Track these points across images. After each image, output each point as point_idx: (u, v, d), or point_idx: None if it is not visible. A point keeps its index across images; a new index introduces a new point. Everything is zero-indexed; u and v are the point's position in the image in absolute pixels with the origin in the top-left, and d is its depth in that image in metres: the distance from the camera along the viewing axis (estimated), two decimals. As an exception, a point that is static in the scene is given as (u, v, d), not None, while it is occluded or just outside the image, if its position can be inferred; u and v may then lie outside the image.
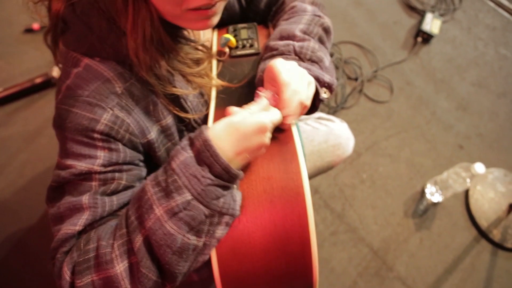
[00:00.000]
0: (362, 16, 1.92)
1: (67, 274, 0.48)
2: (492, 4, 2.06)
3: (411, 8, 1.97)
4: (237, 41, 0.75)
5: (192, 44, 0.63)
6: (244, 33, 0.77)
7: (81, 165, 0.51)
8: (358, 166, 1.48)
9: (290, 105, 0.55)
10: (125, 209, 0.53)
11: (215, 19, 0.55)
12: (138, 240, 0.47)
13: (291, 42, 0.66)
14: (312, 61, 0.65)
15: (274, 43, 0.67)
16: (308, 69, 0.62)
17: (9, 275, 1.22)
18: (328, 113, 1.57)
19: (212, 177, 0.47)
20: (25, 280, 1.21)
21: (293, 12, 0.74)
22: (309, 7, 0.75)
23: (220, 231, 0.50)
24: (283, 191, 0.52)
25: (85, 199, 0.51)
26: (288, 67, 0.57)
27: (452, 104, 1.70)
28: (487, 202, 1.44)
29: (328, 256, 1.31)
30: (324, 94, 0.64)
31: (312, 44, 0.66)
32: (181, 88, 0.59)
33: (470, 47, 1.90)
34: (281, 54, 0.65)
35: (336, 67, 1.65)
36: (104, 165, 0.52)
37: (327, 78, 0.64)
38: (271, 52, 0.66)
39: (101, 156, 0.52)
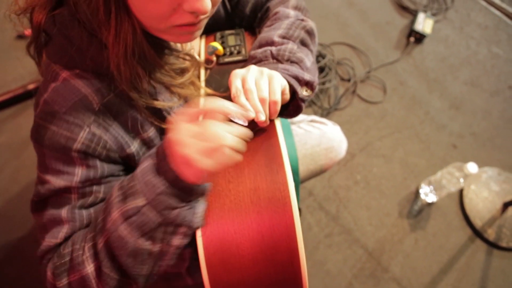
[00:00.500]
0: (354, 16, 1.92)
1: (50, 277, 0.52)
2: (484, 3, 2.07)
3: (403, 8, 1.98)
4: (224, 48, 0.75)
5: (176, 54, 0.62)
6: (231, 40, 0.77)
7: (60, 182, 0.53)
8: (352, 167, 1.49)
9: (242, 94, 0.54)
10: (94, 218, 0.54)
11: (198, 33, 0.55)
12: (101, 242, 0.49)
13: (268, 47, 0.66)
14: (291, 61, 0.65)
15: (253, 52, 0.68)
16: (286, 70, 0.62)
17: (4, 281, 1.22)
18: (322, 114, 1.57)
19: (166, 186, 0.47)
20: (20, 286, 1.21)
21: (276, 19, 0.75)
22: (292, 12, 0.75)
23: (178, 240, 0.50)
24: (270, 202, 0.53)
25: (64, 213, 0.53)
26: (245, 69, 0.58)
27: (445, 104, 1.70)
28: (481, 202, 1.45)
29: (323, 258, 1.31)
30: (305, 92, 0.64)
31: (290, 46, 0.67)
32: (164, 101, 0.59)
33: (463, 46, 1.91)
34: (259, 61, 0.66)
35: (329, 68, 1.65)
36: (81, 182, 0.54)
37: (307, 76, 0.64)
38: (251, 62, 0.67)
39: (79, 173, 0.53)
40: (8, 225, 1.29)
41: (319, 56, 1.66)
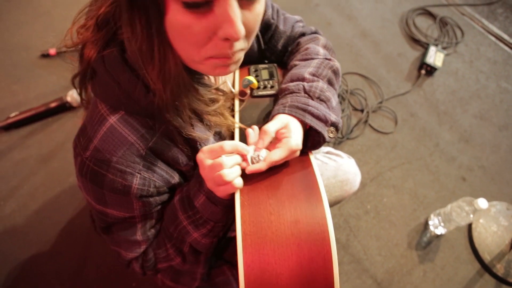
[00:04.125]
0: (367, 47, 1.98)
1: (140, 272, 0.76)
2: (493, 38, 2.13)
3: (415, 41, 2.03)
4: (258, 81, 0.78)
5: (208, 89, 0.66)
6: (265, 74, 0.80)
7: (121, 213, 0.62)
8: (362, 196, 1.51)
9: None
10: (165, 227, 0.73)
11: (234, 67, 0.57)
12: (186, 247, 0.72)
13: (301, 82, 0.70)
14: (320, 99, 0.69)
15: (286, 85, 0.72)
16: (316, 108, 0.66)
17: (18, 298, 1.24)
18: (334, 143, 1.60)
19: (220, 209, 0.65)
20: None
21: (307, 54, 0.79)
22: (321, 50, 0.80)
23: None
24: (310, 235, 0.56)
25: (139, 236, 0.69)
26: (296, 132, 0.65)
27: (455, 136, 1.73)
28: (490, 236, 1.46)
29: (333, 287, 1.32)
30: (331, 134, 0.68)
31: (321, 84, 0.71)
32: (201, 133, 0.63)
33: (472, 80, 1.95)
34: (292, 92, 0.70)
35: (343, 98, 1.70)
36: (141, 212, 0.65)
37: (333, 117, 0.68)
38: (284, 93, 0.71)
39: (137, 208, 0.63)
40: (24, 241, 1.32)
41: (333, 86, 1.70)
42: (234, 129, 0.71)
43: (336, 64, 0.79)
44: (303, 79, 0.71)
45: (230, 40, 0.49)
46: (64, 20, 1.86)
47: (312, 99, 0.68)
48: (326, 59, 0.78)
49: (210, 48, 0.50)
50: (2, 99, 1.60)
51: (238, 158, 0.61)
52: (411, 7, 2.19)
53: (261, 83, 0.79)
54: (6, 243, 1.31)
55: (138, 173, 0.59)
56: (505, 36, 2.13)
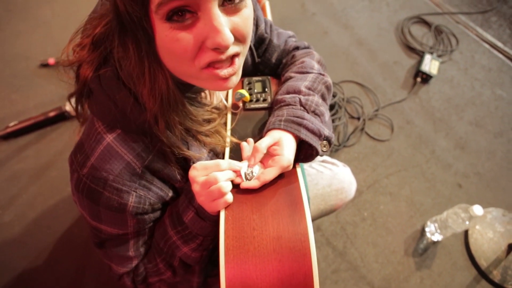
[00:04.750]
0: (363, 56, 2.00)
1: (130, 285, 0.77)
2: (487, 46, 2.15)
3: (411, 49, 2.06)
4: (251, 94, 0.79)
5: (206, 108, 0.67)
6: (258, 87, 0.81)
7: (115, 230, 0.63)
8: (359, 204, 1.52)
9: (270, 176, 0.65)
10: (155, 243, 0.73)
11: (235, 79, 0.57)
12: (176, 261, 0.72)
13: (297, 95, 0.71)
14: (315, 113, 0.70)
15: (281, 96, 0.72)
16: (311, 122, 0.67)
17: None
18: (331, 151, 1.62)
19: (209, 224, 0.65)
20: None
21: (303, 67, 0.80)
22: (316, 65, 0.81)
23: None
24: (291, 252, 0.56)
25: (131, 252, 0.70)
26: (288, 149, 0.65)
27: (451, 143, 1.75)
28: (486, 242, 1.47)
29: (330, 294, 1.33)
30: (324, 148, 0.69)
31: (316, 98, 0.72)
32: (195, 152, 0.64)
33: (467, 87, 1.97)
34: (288, 104, 0.70)
35: (339, 106, 1.72)
36: (135, 229, 0.66)
37: (326, 132, 0.69)
38: (279, 104, 0.71)
39: (131, 225, 0.64)
40: (23, 250, 1.32)
41: (329, 94, 1.72)
42: (227, 145, 0.72)
43: (329, 80, 0.80)
44: (299, 92, 0.72)
45: (219, 48, 0.49)
46: (63, 30, 1.88)
47: (308, 113, 0.69)
48: (321, 74, 0.80)
49: (201, 58, 0.50)
50: (2, 109, 1.61)
51: (231, 174, 0.62)
52: (407, 15, 2.21)
53: (254, 96, 0.79)
54: (4, 252, 1.31)
55: (134, 191, 0.60)
56: (499, 44, 2.16)
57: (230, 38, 0.48)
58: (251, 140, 0.69)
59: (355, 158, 1.63)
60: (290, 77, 0.79)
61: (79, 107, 0.64)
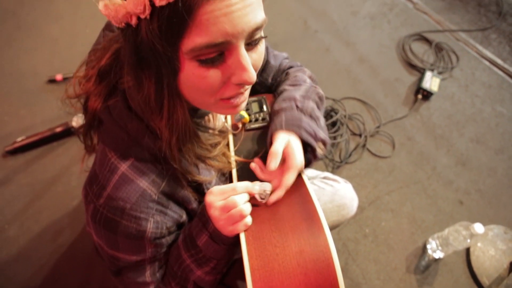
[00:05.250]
0: (365, 73, 2.03)
1: None
2: (487, 63, 2.18)
3: (412, 66, 2.09)
4: (249, 114, 0.81)
5: (211, 131, 0.69)
6: (255, 107, 0.84)
7: (133, 258, 0.64)
8: (361, 220, 1.53)
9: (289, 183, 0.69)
10: (169, 266, 0.74)
11: (244, 105, 0.60)
12: (190, 285, 0.72)
13: (293, 101, 0.75)
14: (311, 117, 0.74)
15: (278, 106, 0.76)
16: (308, 124, 0.71)
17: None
18: (333, 167, 1.64)
19: (223, 248, 0.66)
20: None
21: (296, 80, 0.85)
22: (308, 80, 0.87)
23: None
24: (315, 263, 0.58)
25: (148, 278, 0.70)
26: (298, 149, 0.68)
27: (452, 160, 1.76)
28: (488, 260, 1.48)
29: (332, 311, 1.33)
30: (320, 151, 0.73)
31: (311, 104, 0.77)
32: (204, 176, 0.67)
33: (468, 104, 1.99)
34: (285, 110, 0.74)
35: (341, 123, 1.74)
36: (152, 254, 0.66)
37: (322, 134, 0.73)
38: (278, 113, 0.75)
39: (149, 251, 0.64)
40: (28, 264, 1.33)
41: (332, 111, 1.75)
42: (233, 166, 0.74)
43: (321, 92, 0.85)
44: (295, 99, 0.76)
45: (244, 84, 0.52)
46: (71, 47, 1.93)
47: (305, 115, 0.73)
48: (313, 86, 0.85)
49: (225, 92, 0.53)
50: (10, 124, 1.64)
51: (247, 196, 0.64)
52: (408, 33, 2.25)
53: (253, 116, 0.82)
54: (10, 266, 1.33)
55: (151, 217, 0.61)
56: (499, 61, 2.19)
57: (254, 75, 0.51)
58: (254, 163, 0.71)
59: (356, 174, 1.65)
60: (285, 90, 0.83)
61: (87, 139, 0.65)
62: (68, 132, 1.60)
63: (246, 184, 0.64)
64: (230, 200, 0.61)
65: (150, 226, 0.61)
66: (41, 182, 1.51)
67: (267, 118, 0.82)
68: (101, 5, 0.44)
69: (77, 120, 1.58)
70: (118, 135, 0.58)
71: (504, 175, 1.74)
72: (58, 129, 1.60)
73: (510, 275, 1.43)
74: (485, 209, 1.63)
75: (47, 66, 1.84)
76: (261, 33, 0.51)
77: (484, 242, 1.51)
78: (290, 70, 0.91)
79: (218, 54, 0.47)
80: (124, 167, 0.59)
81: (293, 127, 0.71)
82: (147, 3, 0.41)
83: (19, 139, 1.55)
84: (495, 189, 1.69)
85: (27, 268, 1.33)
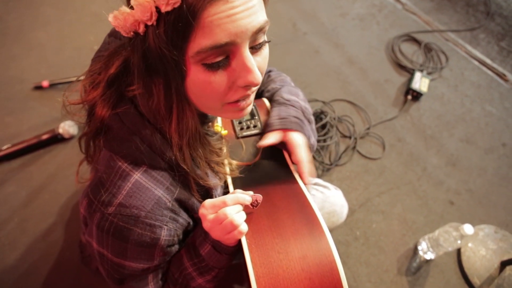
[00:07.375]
0: (354, 74, 2.03)
1: None
2: (476, 63, 2.19)
3: (401, 67, 2.09)
4: (240, 122, 0.82)
5: (215, 137, 0.69)
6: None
7: (139, 265, 0.63)
8: (351, 223, 1.53)
9: (306, 168, 0.75)
10: (170, 273, 0.74)
11: (249, 109, 0.61)
12: None
13: (297, 99, 0.83)
14: (308, 120, 0.80)
15: (287, 96, 0.84)
16: (305, 127, 0.78)
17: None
18: (323, 170, 1.63)
19: (225, 257, 0.68)
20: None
21: (285, 82, 0.92)
22: (292, 83, 0.96)
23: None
24: (319, 267, 0.59)
25: (151, 285, 0.70)
26: (302, 143, 0.74)
27: (442, 160, 1.77)
28: (479, 260, 1.47)
29: (323, 315, 1.32)
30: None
31: (309, 108, 0.83)
32: (213, 181, 0.67)
33: (458, 104, 2.00)
34: (292, 105, 0.81)
35: (331, 125, 1.73)
36: (160, 261, 0.67)
37: (312, 140, 0.79)
38: (284, 104, 0.82)
39: (158, 258, 0.64)
40: (14, 274, 1.31)
41: (321, 114, 1.74)
42: (228, 173, 0.75)
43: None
44: (297, 95, 0.85)
45: (250, 86, 0.53)
46: (57, 52, 1.90)
47: (305, 116, 0.81)
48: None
49: (231, 95, 0.54)
50: (-5, 132, 1.62)
51: (238, 207, 0.63)
52: (397, 33, 2.26)
53: (244, 123, 0.82)
54: (-5, 277, 1.31)
55: (165, 225, 0.60)
56: (488, 61, 2.20)
57: (260, 76, 0.52)
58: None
59: (347, 177, 1.64)
60: (282, 85, 0.89)
61: (90, 147, 0.65)
62: (54, 139, 1.58)
63: (236, 196, 0.64)
64: (221, 212, 0.61)
65: (164, 234, 0.61)
66: (27, 191, 1.48)
67: (259, 125, 0.82)
68: (110, 17, 0.46)
69: (64, 127, 1.56)
70: (130, 142, 0.57)
71: (494, 175, 1.75)
72: (45, 136, 1.57)
73: (501, 275, 1.44)
74: (475, 209, 1.63)
75: (34, 72, 1.82)
76: (264, 37, 0.53)
77: (475, 242, 1.51)
78: (272, 73, 0.96)
79: (223, 58, 0.49)
80: (137, 174, 0.58)
81: (296, 126, 0.78)
82: (154, 10, 0.43)
83: (4, 147, 1.53)
84: (486, 188, 1.70)
85: (15, 278, 1.31)
